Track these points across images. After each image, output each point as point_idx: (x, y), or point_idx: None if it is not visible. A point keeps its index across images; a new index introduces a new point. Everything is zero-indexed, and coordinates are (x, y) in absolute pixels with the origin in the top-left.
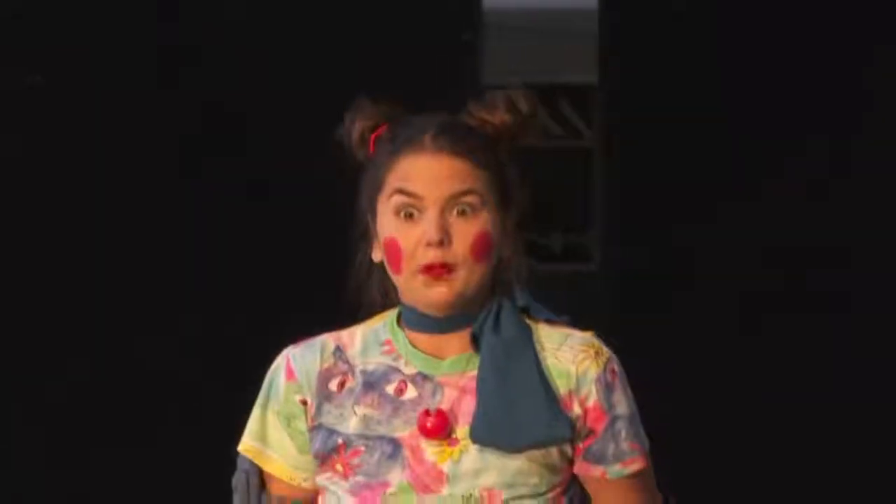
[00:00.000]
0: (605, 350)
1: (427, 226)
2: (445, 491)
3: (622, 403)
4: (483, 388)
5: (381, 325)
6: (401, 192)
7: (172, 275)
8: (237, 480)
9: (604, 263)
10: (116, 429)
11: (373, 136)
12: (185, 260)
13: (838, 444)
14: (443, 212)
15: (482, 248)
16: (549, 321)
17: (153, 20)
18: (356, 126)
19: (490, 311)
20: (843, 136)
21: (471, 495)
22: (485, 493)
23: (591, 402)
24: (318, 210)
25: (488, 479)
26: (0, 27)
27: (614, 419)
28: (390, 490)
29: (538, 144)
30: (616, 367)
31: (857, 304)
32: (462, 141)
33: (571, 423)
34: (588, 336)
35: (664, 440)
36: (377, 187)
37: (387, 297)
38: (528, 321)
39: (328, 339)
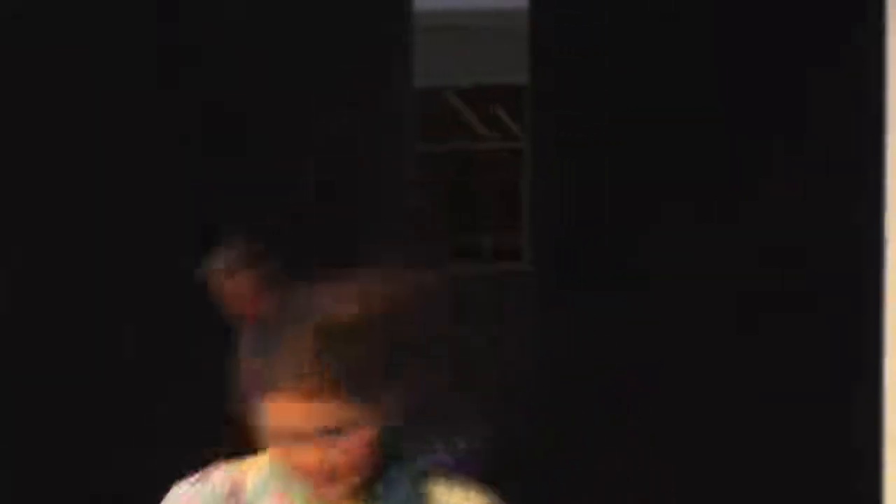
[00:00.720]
0: None
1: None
2: None
3: None
4: None
5: (266, 469)
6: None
7: (172, 275)
8: None
9: (535, 263)
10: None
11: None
12: (185, 260)
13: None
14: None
15: (353, 455)
16: (443, 482)
17: (153, 20)
18: (222, 275)
19: (381, 483)
20: (786, 133)
21: None
22: None
23: None
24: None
25: None
26: (0, 27)
27: None
28: None
29: (472, 146)
30: None
31: (814, 304)
32: (295, 376)
33: None
34: (475, 494)
35: (582, 431)
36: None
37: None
38: (424, 484)
39: (222, 480)
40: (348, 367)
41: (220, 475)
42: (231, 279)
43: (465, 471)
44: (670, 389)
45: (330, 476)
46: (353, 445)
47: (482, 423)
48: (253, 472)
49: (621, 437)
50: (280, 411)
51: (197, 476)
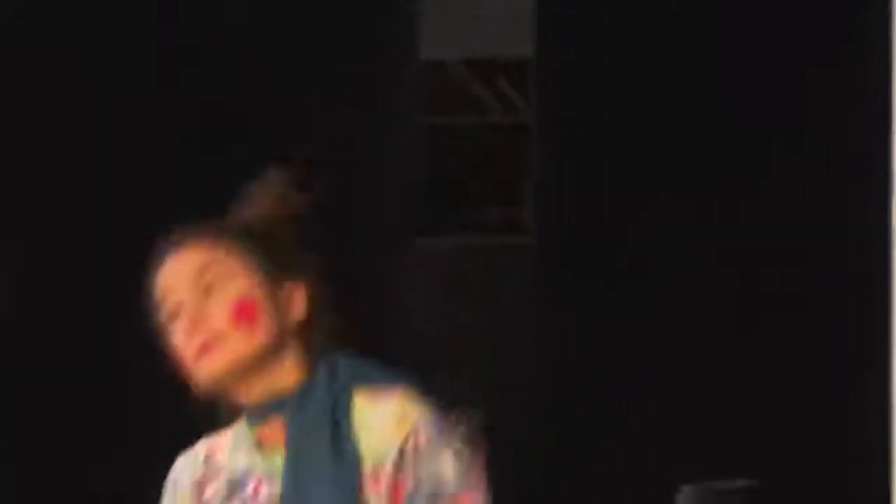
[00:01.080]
0: (413, 416)
1: (181, 318)
2: None
3: (425, 476)
4: (283, 477)
5: (243, 422)
6: (158, 301)
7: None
8: None
9: (541, 237)
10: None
11: None
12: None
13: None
14: (194, 296)
15: (242, 312)
16: (376, 391)
17: (153, 20)
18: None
19: (296, 393)
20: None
21: None
22: None
23: (389, 476)
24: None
25: None
26: (0, 27)
27: (415, 488)
28: None
29: (477, 120)
30: (425, 434)
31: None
32: (201, 234)
33: None
34: (398, 402)
35: (589, 407)
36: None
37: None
38: (351, 395)
39: (201, 448)
40: (254, 232)
41: (200, 443)
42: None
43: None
44: (672, 365)
45: (225, 377)
46: (226, 302)
47: (477, 405)
48: (232, 431)
49: (622, 413)
50: (165, 268)
51: (194, 445)
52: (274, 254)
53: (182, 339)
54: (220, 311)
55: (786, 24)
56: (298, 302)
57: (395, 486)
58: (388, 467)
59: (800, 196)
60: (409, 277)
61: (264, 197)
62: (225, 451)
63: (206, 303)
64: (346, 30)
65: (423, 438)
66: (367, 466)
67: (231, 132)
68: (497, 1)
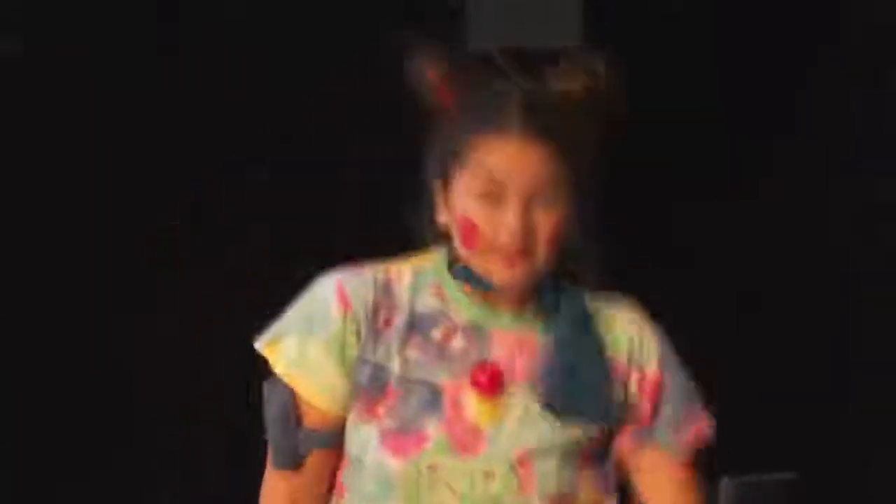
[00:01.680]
0: (658, 329)
1: (511, 217)
2: (483, 453)
3: (676, 372)
4: (557, 356)
5: (429, 266)
6: (485, 176)
7: (171, 275)
8: (275, 410)
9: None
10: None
11: (445, 85)
12: (185, 259)
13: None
14: (529, 202)
15: (558, 239)
16: (598, 295)
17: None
18: (426, 72)
19: (551, 283)
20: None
21: (509, 463)
22: (521, 459)
23: (649, 372)
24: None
25: (527, 444)
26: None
27: (673, 387)
28: (427, 445)
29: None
30: (669, 346)
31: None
32: (550, 122)
33: (615, 410)
34: (633, 306)
35: None
36: (455, 157)
37: (435, 236)
38: (593, 305)
39: (378, 272)
40: (575, 136)
41: (373, 268)
42: (434, 67)
43: None
44: (709, 357)
45: (524, 286)
46: (553, 220)
47: None
48: (408, 270)
49: None
50: (508, 152)
51: (350, 270)
52: (580, 163)
53: (493, 229)
54: (544, 231)
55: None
56: (579, 220)
57: (657, 384)
58: (652, 367)
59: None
60: None
61: (578, 76)
62: (404, 288)
63: (535, 214)
64: (393, 24)
65: (670, 349)
66: (615, 354)
67: (273, 129)
68: None
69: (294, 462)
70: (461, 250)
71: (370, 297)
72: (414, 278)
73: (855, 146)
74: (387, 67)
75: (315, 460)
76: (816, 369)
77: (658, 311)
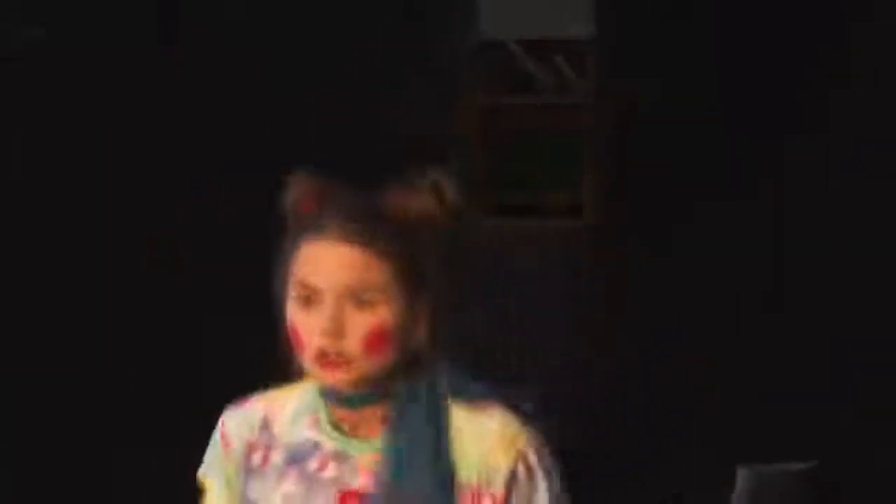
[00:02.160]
0: (522, 440)
1: (320, 317)
2: None
3: (539, 496)
4: (384, 470)
5: (310, 394)
6: (300, 282)
7: (170, 275)
8: None
9: (598, 219)
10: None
11: (303, 210)
12: (183, 260)
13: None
14: (339, 302)
15: (377, 342)
16: (472, 405)
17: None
18: (288, 198)
19: (404, 395)
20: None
21: None
22: None
23: (501, 497)
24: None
25: None
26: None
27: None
28: None
29: (534, 101)
30: (532, 460)
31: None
32: (368, 230)
33: None
34: (506, 423)
35: (647, 389)
36: (284, 271)
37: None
38: (449, 405)
39: (258, 408)
40: (399, 244)
41: (259, 401)
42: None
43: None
44: (730, 346)
45: (354, 387)
46: (369, 321)
47: (535, 386)
48: (294, 398)
49: (680, 395)
50: (320, 255)
51: (240, 402)
52: (417, 270)
53: (309, 332)
54: (358, 334)
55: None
56: (423, 321)
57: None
58: (500, 488)
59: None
60: (466, 260)
61: (414, 200)
62: (284, 421)
63: (349, 315)
64: (404, 9)
65: (532, 463)
66: (465, 478)
67: (286, 110)
68: None
69: None
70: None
71: (244, 437)
72: (295, 409)
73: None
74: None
75: None
76: (834, 360)
77: (683, 307)
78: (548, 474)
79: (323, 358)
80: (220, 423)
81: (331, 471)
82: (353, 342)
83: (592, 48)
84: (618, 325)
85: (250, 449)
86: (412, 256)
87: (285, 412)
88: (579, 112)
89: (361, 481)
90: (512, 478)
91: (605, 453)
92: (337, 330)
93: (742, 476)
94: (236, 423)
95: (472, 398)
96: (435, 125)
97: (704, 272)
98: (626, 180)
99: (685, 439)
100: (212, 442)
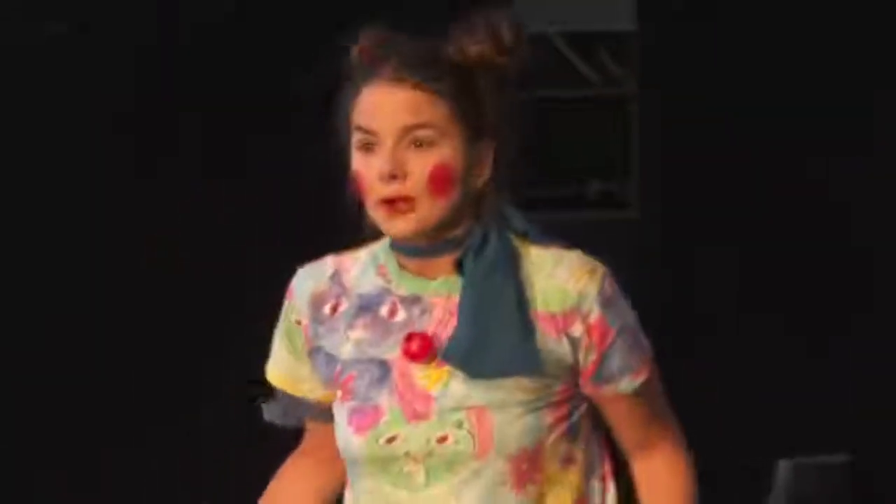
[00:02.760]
0: (600, 267)
1: (381, 158)
2: (435, 416)
3: (622, 316)
4: (460, 312)
5: (378, 248)
6: (359, 127)
7: (172, 275)
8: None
9: (643, 211)
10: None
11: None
12: (183, 261)
13: None
14: (397, 144)
15: (439, 180)
16: (542, 244)
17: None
18: (354, 49)
19: (476, 237)
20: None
21: (460, 421)
22: (473, 416)
23: (593, 320)
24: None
25: (477, 401)
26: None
27: (618, 332)
28: (383, 418)
29: (576, 94)
30: (612, 281)
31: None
32: (423, 69)
33: (541, 356)
34: (581, 255)
35: (689, 382)
36: (346, 119)
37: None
38: (519, 245)
39: (328, 263)
40: (456, 84)
41: (330, 258)
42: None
43: None
44: (773, 339)
45: (419, 236)
46: (430, 161)
47: None
48: (364, 253)
49: (722, 387)
50: (376, 98)
51: (314, 262)
52: (477, 112)
53: (371, 177)
54: (420, 172)
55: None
56: (486, 163)
57: (600, 331)
58: (594, 311)
59: None
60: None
61: (470, 40)
62: (352, 272)
63: (409, 156)
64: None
65: (614, 285)
66: (545, 309)
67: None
68: None
69: (292, 421)
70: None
71: (309, 288)
72: (364, 263)
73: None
74: None
75: (312, 436)
76: (871, 356)
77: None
78: (621, 295)
79: (387, 204)
80: (293, 279)
81: (401, 314)
82: (414, 182)
83: (635, 41)
84: (660, 320)
85: (320, 299)
86: (470, 97)
87: (355, 265)
88: (623, 104)
89: (430, 321)
90: (600, 300)
91: None
92: (398, 170)
93: (782, 468)
94: (304, 277)
95: (538, 239)
96: None
97: (750, 267)
98: (673, 173)
99: (726, 432)
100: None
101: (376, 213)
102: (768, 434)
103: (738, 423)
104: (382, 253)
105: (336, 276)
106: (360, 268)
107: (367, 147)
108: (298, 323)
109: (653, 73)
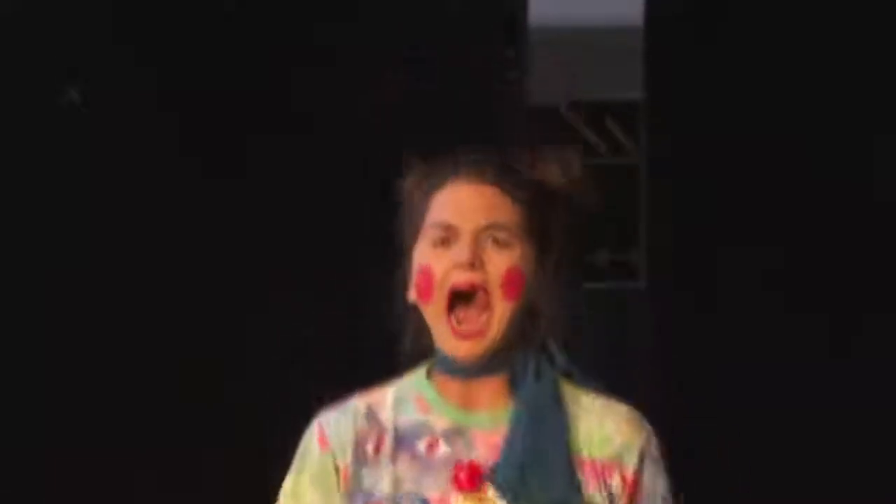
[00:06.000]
0: (647, 425)
1: (459, 249)
2: None
3: (661, 482)
4: (512, 440)
5: (410, 380)
6: (436, 224)
7: (170, 277)
8: None
9: (651, 281)
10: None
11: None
12: (181, 263)
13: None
14: (476, 239)
15: (514, 281)
16: (586, 388)
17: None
18: (411, 182)
19: (528, 363)
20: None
21: None
22: None
23: (631, 473)
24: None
25: None
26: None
27: (654, 497)
28: None
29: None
30: (657, 443)
31: None
32: (502, 174)
33: (583, 492)
34: (631, 409)
35: (706, 455)
36: (416, 225)
37: (418, 344)
38: (563, 385)
39: (359, 403)
40: (529, 193)
41: (357, 398)
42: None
43: None
44: (789, 409)
45: (485, 341)
46: (507, 259)
47: None
48: (392, 388)
49: (733, 451)
50: (457, 196)
51: (333, 405)
52: (543, 227)
53: (444, 268)
54: (496, 269)
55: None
56: (545, 281)
57: (635, 485)
58: (631, 466)
59: None
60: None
61: (542, 164)
62: (387, 408)
63: (488, 252)
64: (462, 45)
65: (657, 446)
66: (588, 454)
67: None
68: (605, 43)
69: None
70: (425, 312)
71: (350, 432)
72: (396, 397)
73: None
74: None
75: None
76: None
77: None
78: (663, 461)
79: (459, 298)
80: (314, 426)
81: (442, 448)
82: (490, 277)
83: (642, 110)
84: (673, 388)
85: (363, 440)
86: (540, 210)
87: (387, 400)
88: (632, 174)
89: (477, 454)
90: (642, 457)
91: None
92: (477, 260)
93: None
94: (336, 422)
95: (582, 381)
96: None
97: (759, 332)
98: (681, 243)
99: (729, 490)
100: (303, 448)
101: (440, 327)
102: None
103: (742, 491)
104: (418, 384)
105: (371, 415)
106: (393, 401)
107: (444, 242)
108: (337, 469)
109: (659, 143)
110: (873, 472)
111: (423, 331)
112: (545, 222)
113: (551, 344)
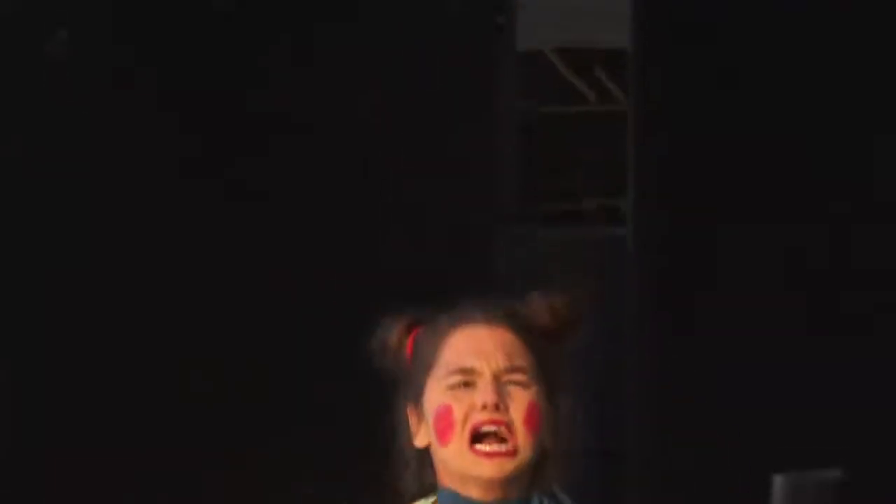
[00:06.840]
0: None
1: (483, 391)
2: None
3: None
4: None
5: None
6: (456, 366)
7: (170, 277)
8: None
9: (638, 228)
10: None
11: (409, 339)
12: (179, 264)
13: None
14: (497, 381)
15: (534, 418)
16: None
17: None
18: (391, 334)
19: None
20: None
21: None
22: None
23: None
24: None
25: None
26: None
27: None
28: None
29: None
30: None
31: None
32: (511, 319)
33: None
34: None
35: (696, 409)
36: (426, 370)
37: (421, 487)
38: None
39: None
40: (535, 338)
41: None
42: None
43: None
44: (769, 355)
45: (507, 474)
46: (527, 399)
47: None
48: None
49: (718, 404)
50: (474, 338)
51: None
52: (548, 371)
53: (466, 409)
54: (517, 408)
55: None
56: (553, 424)
57: None
58: None
59: None
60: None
61: (547, 306)
62: None
63: (509, 392)
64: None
65: None
66: None
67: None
68: None
69: None
70: (441, 454)
71: None
72: None
73: None
74: None
75: None
76: (865, 368)
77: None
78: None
79: (481, 439)
80: None
81: None
82: (514, 416)
83: (631, 58)
84: (655, 338)
85: None
86: (546, 354)
87: None
88: (620, 120)
89: None
90: None
91: (643, 463)
92: (502, 402)
93: (778, 483)
94: None
95: None
96: (477, 139)
97: (746, 285)
98: (669, 190)
99: (722, 447)
100: None
101: (463, 458)
102: (764, 448)
103: (734, 438)
104: None
105: None
106: None
107: (463, 385)
108: None
109: (648, 90)
110: (873, 472)
111: (425, 469)
112: (550, 363)
113: (559, 491)
